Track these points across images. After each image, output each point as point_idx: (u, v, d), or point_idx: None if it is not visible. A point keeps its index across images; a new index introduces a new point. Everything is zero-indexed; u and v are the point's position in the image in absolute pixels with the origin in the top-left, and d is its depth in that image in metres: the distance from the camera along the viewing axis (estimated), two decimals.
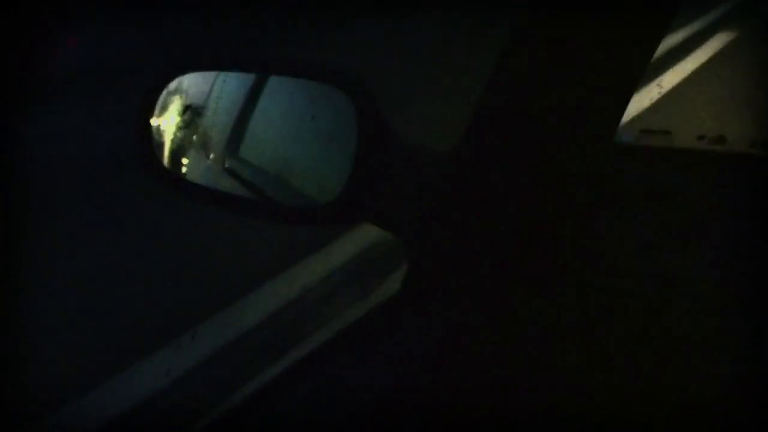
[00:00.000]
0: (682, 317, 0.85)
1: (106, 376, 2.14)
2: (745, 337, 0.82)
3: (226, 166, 0.96)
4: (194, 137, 0.98)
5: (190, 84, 0.95)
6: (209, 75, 0.96)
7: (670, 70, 4.60)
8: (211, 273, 2.56)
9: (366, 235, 2.66)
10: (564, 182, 0.86)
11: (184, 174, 0.96)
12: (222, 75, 0.96)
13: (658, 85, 4.21)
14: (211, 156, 0.98)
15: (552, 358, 0.86)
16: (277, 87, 0.92)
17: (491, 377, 0.84)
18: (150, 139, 0.94)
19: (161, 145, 0.97)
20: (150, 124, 0.94)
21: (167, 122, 0.96)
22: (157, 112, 0.95)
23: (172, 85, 0.94)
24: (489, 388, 0.84)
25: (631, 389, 0.80)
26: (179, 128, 0.96)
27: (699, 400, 0.79)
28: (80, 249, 2.69)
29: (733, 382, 0.78)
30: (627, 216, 0.89)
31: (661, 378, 0.83)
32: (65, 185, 3.11)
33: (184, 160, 0.97)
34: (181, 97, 0.95)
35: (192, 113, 0.96)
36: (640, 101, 3.81)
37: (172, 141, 0.96)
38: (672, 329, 0.85)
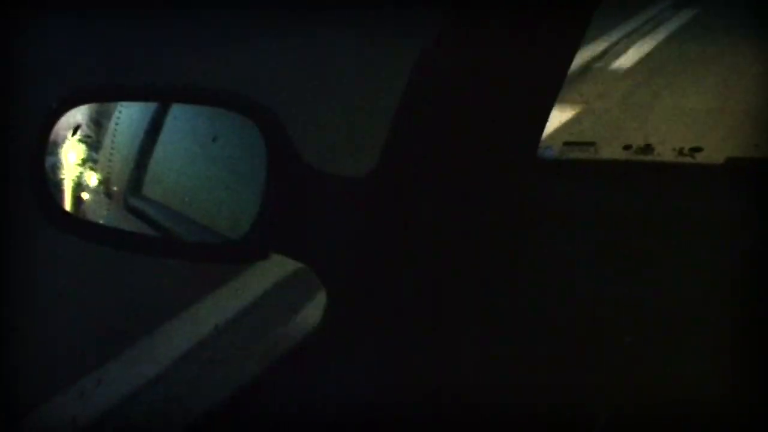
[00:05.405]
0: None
1: None
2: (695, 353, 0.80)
3: (129, 204, 0.89)
4: (93, 174, 0.91)
5: (85, 116, 0.88)
6: (106, 106, 0.89)
7: (592, 78, 4.56)
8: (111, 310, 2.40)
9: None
10: (486, 201, 0.82)
11: (84, 214, 0.89)
12: (118, 106, 0.89)
13: (579, 95, 4.16)
14: (113, 191, 0.91)
15: (487, 385, 0.82)
16: (178, 117, 0.86)
17: (423, 403, 0.81)
18: (44, 178, 0.87)
19: (59, 183, 0.90)
20: (44, 161, 0.87)
21: (63, 159, 0.89)
22: (51, 148, 0.88)
23: (67, 118, 0.87)
24: (420, 414, 0.81)
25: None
26: (76, 165, 0.89)
27: None
28: None
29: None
30: (557, 235, 0.85)
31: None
32: None
33: (84, 199, 0.90)
34: (75, 132, 0.88)
35: (88, 148, 0.89)
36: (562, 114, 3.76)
37: (70, 179, 0.89)
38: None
